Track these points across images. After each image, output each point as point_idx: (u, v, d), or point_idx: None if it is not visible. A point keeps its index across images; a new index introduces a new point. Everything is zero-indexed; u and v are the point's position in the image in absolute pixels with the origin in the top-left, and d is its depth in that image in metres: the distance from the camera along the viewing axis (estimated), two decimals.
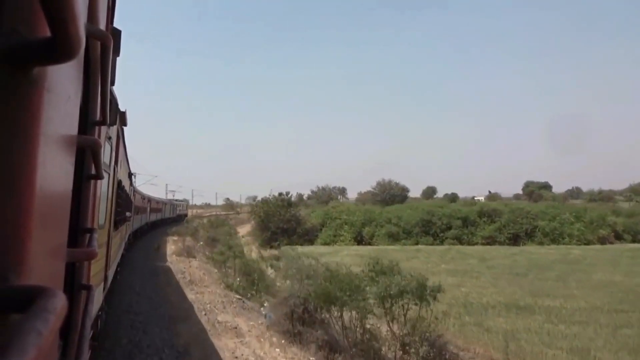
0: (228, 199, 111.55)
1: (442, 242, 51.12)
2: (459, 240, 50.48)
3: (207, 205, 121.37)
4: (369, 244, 53.84)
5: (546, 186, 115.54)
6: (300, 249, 49.63)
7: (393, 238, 52.78)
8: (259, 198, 61.03)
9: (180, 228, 45.96)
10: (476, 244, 50.08)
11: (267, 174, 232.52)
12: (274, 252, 57.32)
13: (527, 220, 49.41)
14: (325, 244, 54.40)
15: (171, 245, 33.71)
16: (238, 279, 21.09)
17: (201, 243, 37.81)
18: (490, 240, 49.71)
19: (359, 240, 54.75)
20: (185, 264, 24.97)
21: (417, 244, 51.67)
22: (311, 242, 56.05)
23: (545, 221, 49.00)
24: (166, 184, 74.69)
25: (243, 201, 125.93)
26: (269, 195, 59.37)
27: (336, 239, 54.85)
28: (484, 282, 28.78)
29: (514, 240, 49.34)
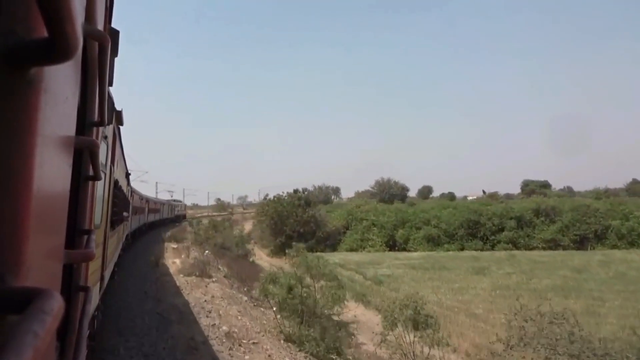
0: (219, 199, 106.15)
1: (493, 247, 42.97)
2: (514, 244, 42.40)
3: (196, 206, 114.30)
4: (404, 249, 45.45)
5: (545, 185, 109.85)
6: (328, 257, 41.06)
7: (433, 242, 44.50)
8: (251, 197, 52.45)
9: (178, 232, 38.37)
10: (535, 248, 42.07)
11: (258, 175, 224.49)
12: (292, 260, 48.60)
13: (596, 219, 41.54)
14: (352, 249, 45.85)
15: (173, 258, 25.15)
16: (300, 327, 12.43)
17: (207, 252, 29.53)
18: (553, 244, 41.73)
19: (392, 245, 46.34)
20: (202, 291, 16.42)
21: (462, 248, 43.48)
22: (333, 247, 47.43)
23: (618, 220, 41.19)
24: (156, 182, 67.09)
25: (234, 202, 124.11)
26: (262, 195, 50.64)
27: (364, 243, 46.31)
28: (620, 306, 20.63)
29: (580, 243, 41.44)
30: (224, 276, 23.11)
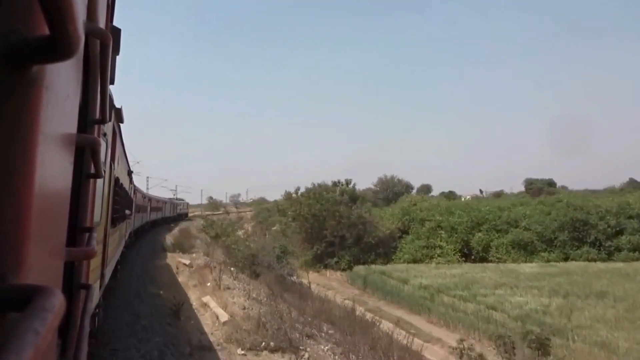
0: (211, 197, 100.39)
1: (609, 255, 32.13)
2: None
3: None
4: (483, 258, 34.38)
5: (551, 183, 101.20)
6: (398, 273, 29.80)
7: (525, 250, 33.48)
8: (242, 196, 41.71)
9: (182, 238, 29.21)
10: None
11: (251, 174, 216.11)
12: (337, 275, 37.26)
13: None
14: (414, 260, 34.49)
15: (198, 292, 13.87)
16: None
17: (233, 269, 19.14)
18: None
19: (466, 254, 35.26)
20: None
21: (566, 258, 32.55)
22: (386, 257, 36.15)
23: None
24: (147, 177, 58.82)
25: (227, 200, 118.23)
26: (251, 194, 39.90)
27: (431, 252, 35.07)
28: None
29: None
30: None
